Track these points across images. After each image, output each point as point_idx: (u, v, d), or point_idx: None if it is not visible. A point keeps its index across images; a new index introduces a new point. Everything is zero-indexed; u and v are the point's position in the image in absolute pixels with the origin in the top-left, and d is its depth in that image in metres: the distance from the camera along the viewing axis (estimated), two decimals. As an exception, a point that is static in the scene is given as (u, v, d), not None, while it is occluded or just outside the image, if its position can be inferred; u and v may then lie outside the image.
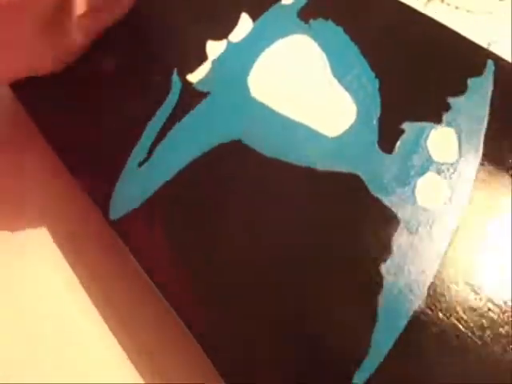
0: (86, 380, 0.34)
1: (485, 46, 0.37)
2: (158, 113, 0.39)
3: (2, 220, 0.39)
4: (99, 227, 0.36)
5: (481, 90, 0.35)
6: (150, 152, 0.38)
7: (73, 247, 0.39)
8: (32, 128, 0.40)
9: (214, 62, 0.41)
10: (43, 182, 0.40)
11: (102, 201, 0.37)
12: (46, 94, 0.41)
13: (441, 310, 0.29)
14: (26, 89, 0.41)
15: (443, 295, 0.29)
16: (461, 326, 0.28)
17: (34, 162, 0.41)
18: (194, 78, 0.41)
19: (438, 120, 0.35)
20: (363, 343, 0.29)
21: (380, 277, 0.30)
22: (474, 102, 0.35)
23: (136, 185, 0.37)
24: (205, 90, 0.40)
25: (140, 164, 0.37)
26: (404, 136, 0.35)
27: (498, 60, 0.36)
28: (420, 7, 0.39)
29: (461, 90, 0.36)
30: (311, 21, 0.41)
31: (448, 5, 0.41)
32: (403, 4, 0.41)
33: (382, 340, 0.29)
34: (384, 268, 0.30)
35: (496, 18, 0.40)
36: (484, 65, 0.36)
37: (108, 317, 0.36)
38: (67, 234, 0.39)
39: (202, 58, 0.42)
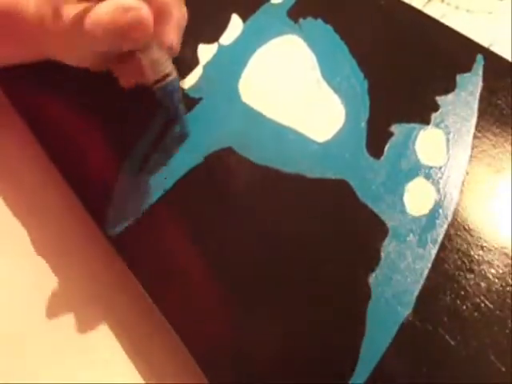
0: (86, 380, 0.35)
1: (485, 46, 0.36)
2: (152, 122, 0.39)
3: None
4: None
5: (470, 86, 0.35)
6: (145, 162, 0.38)
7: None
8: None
9: (205, 66, 0.41)
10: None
11: (98, 215, 0.37)
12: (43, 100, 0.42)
13: (428, 321, 0.29)
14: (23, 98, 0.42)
15: (431, 306, 0.29)
16: (448, 337, 0.28)
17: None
18: (185, 84, 0.41)
19: (426, 121, 0.34)
20: (352, 357, 0.29)
21: (368, 287, 0.30)
22: (463, 100, 0.34)
23: (131, 198, 0.37)
24: (196, 97, 0.40)
25: (135, 174, 0.38)
26: (393, 139, 0.34)
27: (487, 54, 0.35)
28: (420, 7, 0.38)
29: (450, 87, 0.35)
30: (301, 20, 0.41)
31: (448, 4, 0.40)
32: (393, 1, 0.40)
33: (371, 353, 0.29)
34: (372, 278, 0.30)
35: (496, 18, 0.39)
36: (473, 60, 0.35)
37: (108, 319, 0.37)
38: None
39: (194, 62, 0.42)
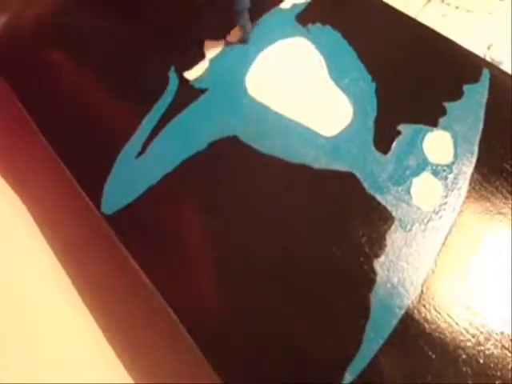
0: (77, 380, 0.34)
1: (485, 47, 0.37)
2: (154, 108, 0.39)
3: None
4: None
5: (476, 96, 0.36)
6: (145, 146, 0.38)
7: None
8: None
9: (211, 60, 0.41)
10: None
11: (93, 193, 0.36)
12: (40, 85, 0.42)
13: (433, 307, 0.29)
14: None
15: (436, 292, 0.29)
16: (453, 323, 0.28)
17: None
18: (190, 75, 0.41)
19: (433, 123, 0.35)
20: (355, 340, 0.29)
21: (373, 272, 0.30)
22: (470, 108, 0.35)
23: (130, 178, 0.37)
24: (202, 87, 0.40)
25: (134, 157, 0.37)
26: (400, 137, 0.35)
27: (493, 69, 0.37)
28: (420, 7, 0.39)
29: (457, 95, 0.36)
30: (309, 25, 0.42)
31: (448, 5, 0.41)
32: (400, 11, 0.41)
33: (374, 337, 0.28)
34: (377, 264, 0.30)
35: (496, 18, 0.40)
36: (480, 73, 0.37)
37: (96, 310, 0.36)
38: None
39: (200, 56, 0.42)
